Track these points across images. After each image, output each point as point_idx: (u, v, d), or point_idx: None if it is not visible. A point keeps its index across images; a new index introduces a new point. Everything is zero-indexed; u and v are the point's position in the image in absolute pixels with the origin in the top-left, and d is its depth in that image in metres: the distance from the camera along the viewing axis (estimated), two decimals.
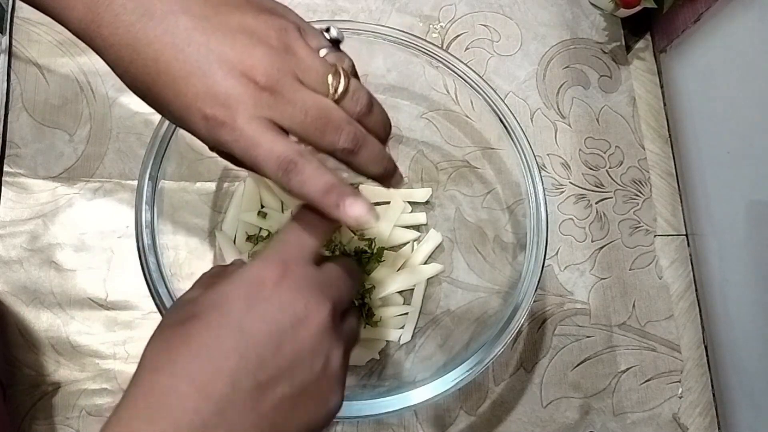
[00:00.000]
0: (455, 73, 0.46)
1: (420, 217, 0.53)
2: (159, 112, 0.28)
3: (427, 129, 0.55)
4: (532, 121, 0.57)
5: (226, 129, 0.25)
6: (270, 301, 0.25)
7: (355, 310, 0.31)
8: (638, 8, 0.57)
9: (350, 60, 0.30)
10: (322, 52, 0.28)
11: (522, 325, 0.42)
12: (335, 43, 0.30)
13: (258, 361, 0.24)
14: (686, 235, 0.57)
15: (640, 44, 0.61)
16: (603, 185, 0.56)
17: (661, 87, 0.60)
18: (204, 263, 0.49)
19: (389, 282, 0.50)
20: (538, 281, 0.42)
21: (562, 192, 0.56)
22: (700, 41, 0.54)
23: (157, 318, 0.39)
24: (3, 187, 0.50)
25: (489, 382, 0.50)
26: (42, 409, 0.46)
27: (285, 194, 0.51)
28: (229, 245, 0.49)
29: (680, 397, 0.52)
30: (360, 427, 0.48)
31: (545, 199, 0.44)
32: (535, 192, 0.44)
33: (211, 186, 0.51)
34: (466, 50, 0.58)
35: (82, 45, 0.54)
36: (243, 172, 0.52)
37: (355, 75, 0.31)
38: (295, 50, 0.27)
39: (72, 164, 0.51)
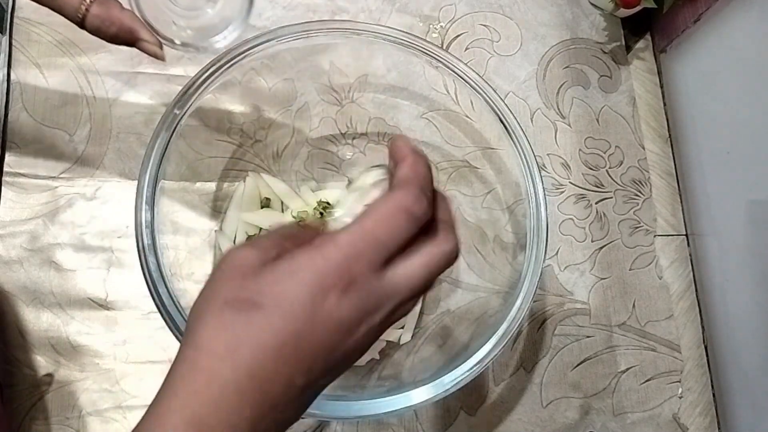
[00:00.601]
0: (455, 73, 0.46)
1: None
2: None
3: (427, 129, 0.55)
4: (532, 121, 0.57)
5: None
6: (331, 315, 0.24)
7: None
8: (638, 8, 0.57)
9: None
10: None
11: (522, 325, 0.42)
12: None
13: (310, 366, 0.25)
14: (686, 235, 0.57)
15: (640, 44, 0.61)
16: (603, 185, 0.56)
17: (661, 87, 0.60)
18: (204, 263, 0.49)
19: None
20: (538, 281, 0.42)
21: (562, 192, 0.56)
22: (700, 41, 0.54)
23: (158, 318, 0.39)
24: (3, 187, 0.50)
25: (489, 382, 0.50)
26: (42, 409, 0.46)
27: (285, 194, 0.51)
28: (229, 245, 0.49)
29: (680, 397, 0.52)
30: (360, 427, 0.48)
31: (545, 199, 0.44)
32: (535, 192, 0.44)
33: (211, 186, 0.51)
34: (466, 50, 0.58)
35: (83, 45, 0.54)
36: (243, 172, 0.52)
37: None
38: None
39: (72, 164, 0.51)
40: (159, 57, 0.38)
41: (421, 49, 0.46)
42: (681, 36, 0.56)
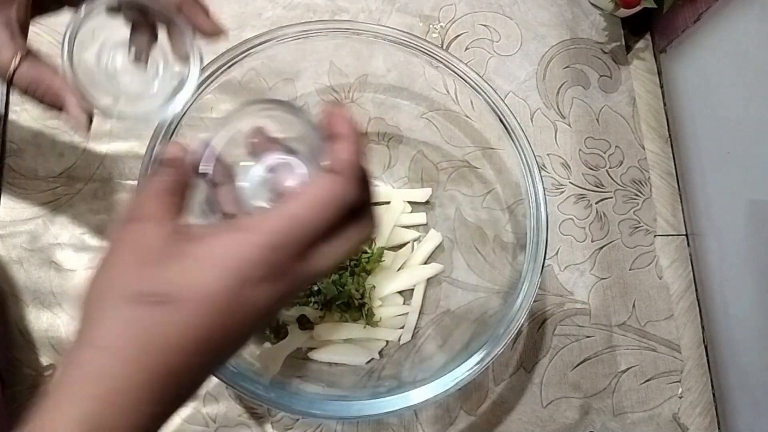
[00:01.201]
0: (455, 73, 0.46)
1: (420, 217, 0.53)
2: None
3: (427, 129, 0.55)
4: (532, 121, 0.57)
5: None
6: (249, 304, 0.23)
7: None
8: (638, 8, 0.57)
9: None
10: None
11: (522, 325, 0.42)
12: None
13: (223, 351, 0.24)
14: (686, 235, 0.57)
15: (640, 44, 0.61)
16: (603, 185, 0.56)
17: (661, 87, 0.60)
18: None
19: (389, 282, 0.50)
20: (538, 281, 0.42)
21: (562, 192, 0.56)
22: (700, 41, 0.54)
23: None
24: (3, 187, 0.50)
25: (489, 382, 0.50)
26: None
27: None
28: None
29: (680, 397, 0.52)
30: (360, 427, 0.48)
31: (545, 199, 0.44)
32: (535, 192, 0.44)
33: None
34: (466, 50, 0.58)
35: None
36: None
37: None
38: None
39: (72, 164, 0.51)
40: (80, 132, 0.34)
41: (421, 49, 0.46)
42: (681, 36, 0.56)
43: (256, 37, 0.44)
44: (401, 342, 0.49)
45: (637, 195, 0.57)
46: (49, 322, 0.47)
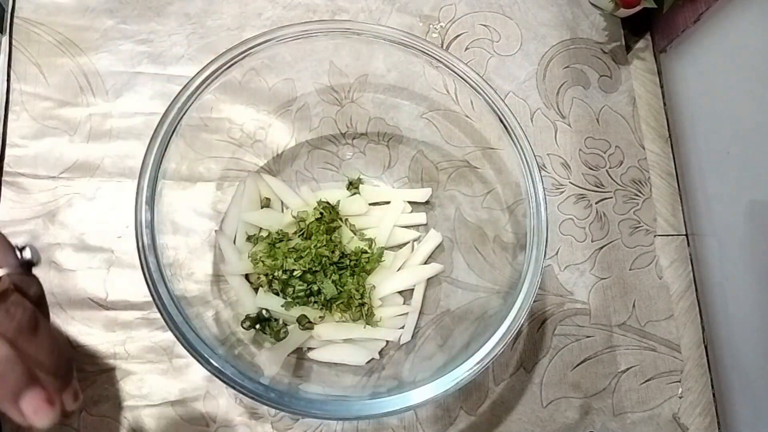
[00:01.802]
0: (455, 73, 0.46)
1: (420, 217, 0.53)
2: None
3: (427, 129, 0.55)
4: (532, 121, 0.57)
5: None
6: None
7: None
8: (638, 8, 0.57)
9: (38, 288, 0.30)
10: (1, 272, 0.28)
11: (522, 325, 0.42)
12: (28, 265, 0.30)
13: None
14: (686, 235, 0.57)
15: (640, 44, 0.61)
16: (603, 185, 0.56)
17: (661, 87, 0.60)
18: (204, 263, 0.49)
19: (389, 282, 0.50)
20: (538, 281, 0.42)
21: (562, 192, 0.56)
22: (700, 41, 0.54)
23: (158, 318, 0.39)
24: (3, 187, 0.50)
25: (489, 382, 0.50)
26: None
27: (285, 194, 0.51)
28: (229, 245, 0.49)
29: (680, 397, 0.52)
30: (360, 427, 0.48)
31: (545, 199, 0.44)
32: (535, 192, 0.44)
33: (211, 186, 0.51)
34: (466, 50, 0.58)
35: (83, 45, 0.54)
36: (243, 172, 0.52)
37: (40, 302, 0.30)
38: None
39: (72, 164, 0.51)
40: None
41: (421, 49, 0.46)
42: (681, 36, 0.56)
43: (256, 37, 0.44)
44: (401, 342, 0.49)
45: (637, 195, 0.57)
46: None
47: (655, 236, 0.56)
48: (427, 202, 0.53)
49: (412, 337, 0.50)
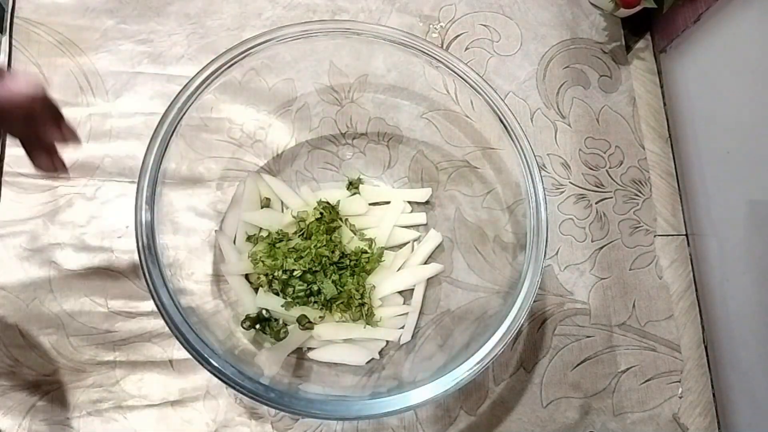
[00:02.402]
0: (455, 73, 0.46)
1: (420, 217, 0.53)
2: None
3: (427, 129, 0.55)
4: (532, 121, 0.57)
5: None
6: None
7: None
8: (638, 8, 0.57)
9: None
10: None
11: (522, 325, 0.42)
12: None
13: None
14: (686, 235, 0.57)
15: (640, 44, 0.61)
16: (603, 185, 0.56)
17: (661, 87, 0.60)
18: (204, 264, 0.49)
19: (389, 282, 0.50)
20: (538, 281, 0.42)
21: (562, 192, 0.56)
22: (700, 41, 0.54)
23: (158, 318, 0.39)
24: (3, 187, 0.50)
25: (489, 382, 0.50)
26: (42, 409, 0.46)
27: (285, 194, 0.51)
28: (229, 245, 0.49)
29: (680, 397, 0.52)
30: (360, 427, 0.48)
31: (545, 199, 0.44)
32: (535, 192, 0.44)
33: (211, 186, 0.51)
34: (466, 50, 0.58)
35: (83, 45, 0.54)
36: (243, 172, 0.52)
37: None
38: None
39: (72, 164, 0.51)
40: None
41: (421, 49, 0.46)
42: (681, 36, 0.56)
43: (256, 37, 0.44)
44: (401, 342, 0.49)
45: (637, 195, 0.57)
46: (50, 322, 0.47)
47: (655, 236, 0.56)
48: (427, 202, 0.53)
49: (412, 337, 0.50)
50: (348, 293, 0.48)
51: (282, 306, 0.47)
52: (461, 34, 0.59)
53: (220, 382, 0.38)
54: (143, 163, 0.41)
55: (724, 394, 0.52)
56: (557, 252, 0.54)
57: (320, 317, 0.48)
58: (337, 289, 0.48)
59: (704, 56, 0.54)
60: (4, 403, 0.45)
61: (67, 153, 0.37)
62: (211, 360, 0.38)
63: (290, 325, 0.48)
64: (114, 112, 0.52)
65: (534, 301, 0.42)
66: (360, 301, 0.48)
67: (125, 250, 0.49)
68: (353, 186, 0.52)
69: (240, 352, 0.46)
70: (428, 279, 0.51)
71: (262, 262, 0.47)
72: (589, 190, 0.56)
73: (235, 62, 0.44)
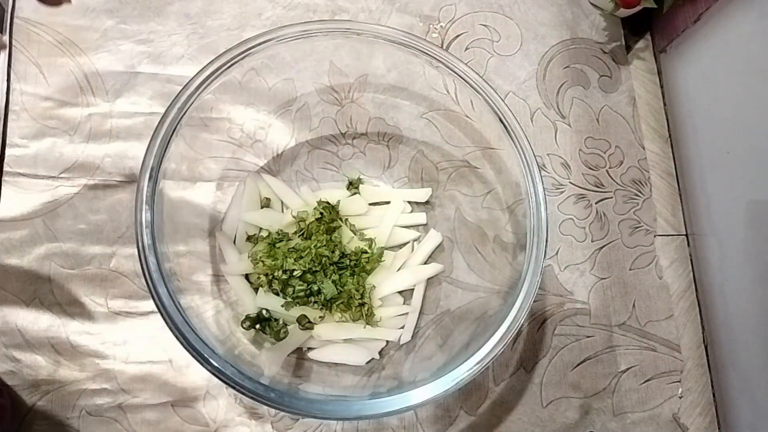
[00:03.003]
0: (455, 73, 0.46)
1: (420, 217, 0.53)
2: None
3: (427, 129, 0.55)
4: (532, 121, 0.57)
5: None
6: None
7: None
8: (638, 8, 0.57)
9: None
10: None
11: (522, 325, 0.42)
12: None
13: None
14: (686, 235, 0.57)
15: (640, 44, 0.61)
16: (603, 185, 0.56)
17: (661, 87, 0.60)
18: (204, 263, 0.49)
19: (389, 282, 0.50)
20: (538, 281, 0.42)
21: (562, 192, 0.56)
22: (700, 41, 0.54)
23: (158, 318, 0.39)
24: (3, 187, 0.50)
25: (489, 382, 0.50)
26: (42, 409, 0.46)
27: (285, 194, 0.51)
28: (229, 245, 0.49)
29: (680, 397, 0.52)
30: (360, 427, 0.48)
31: (545, 199, 0.44)
32: (535, 192, 0.44)
33: (211, 186, 0.51)
34: (466, 50, 0.58)
35: (83, 45, 0.54)
36: (243, 172, 0.52)
37: None
38: None
39: (72, 164, 0.51)
40: None
41: (421, 49, 0.46)
42: (681, 36, 0.56)
43: (256, 37, 0.44)
44: (401, 342, 0.49)
45: (637, 195, 0.57)
46: (49, 322, 0.47)
47: (655, 236, 0.56)
48: (427, 202, 0.53)
49: (412, 337, 0.50)
50: (348, 293, 0.48)
51: (282, 306, 0.47)
52: (461, 34, 0.59)
53: (220, 382, 0.38)
54: (143, 163, 0.41)
55: (724, 394, 0.52)
56: (557, 252, 0.54)
57: (320, 317, 0.48)
58: (337, 289, 0.48)
59: (704, 56, 0.54)
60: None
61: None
62: (211, 360, 0.38)
63: (290, 325, 0.48)
64: (114, 112, 0.52)
65: (534, 301, 0.42)
66: (360, 301, 0.48)
67: (125, 250, 0.49)
68: (353, 186, 0.52)
69: (240, 352, 0.46)
70: (428, 279, 0.51)
71: (262, 262, 0.47)
72: (589, 190, 0.56)
73: (235, 62, 0.44)
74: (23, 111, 0.51)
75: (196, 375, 0.47)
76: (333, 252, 0.48)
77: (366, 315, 0.48)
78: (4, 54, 0.52)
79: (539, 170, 0.44)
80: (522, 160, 0.45)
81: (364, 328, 0.48)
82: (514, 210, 0.51)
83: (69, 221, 0.49)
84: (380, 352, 0.49)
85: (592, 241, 0.55)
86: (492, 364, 0.50)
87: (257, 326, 0.48)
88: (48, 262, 0.48)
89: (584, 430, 0.50)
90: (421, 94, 0.54)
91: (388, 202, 0.52)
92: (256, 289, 0.49)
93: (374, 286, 0.49)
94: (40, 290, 0.48)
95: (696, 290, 0.55)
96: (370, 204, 0.52)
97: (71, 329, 0.47)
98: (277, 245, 0.48)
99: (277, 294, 0.48)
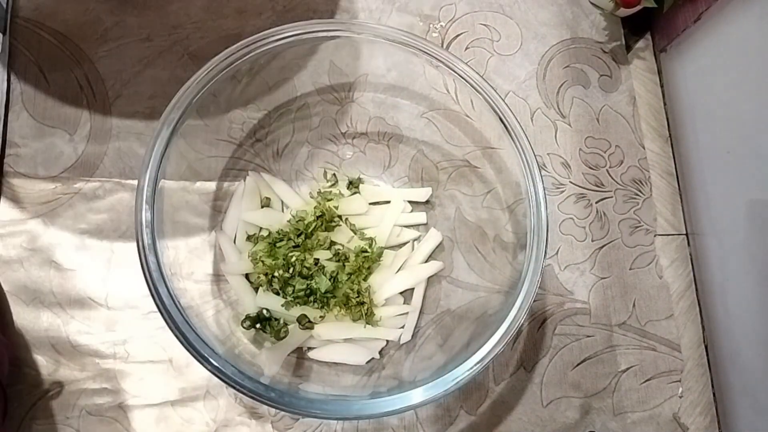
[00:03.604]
0: (455, 72, 0.46)
1: (420, 217, 0.53)
2: None
3: (427, 128, 0.55)
4: (532, 120, 0.57)
5: None
6: None
7: None
8: (638, 8, 0.57)
9: None
10: None
11: (522, 324, 0.42)
12: None
13: None
14: (686, 234, 0.57)
15: (640, 44, 0.61)
16: (603, 185, 0.56)
17: (661, 86, 0.60)
18: (204, 263, 0.49)
19: (389, 282, 0.50)
20: (538, 281, 0.42)
21: (562, 191, 0.56)
22: (700, 41, 0.54)
23: (158, 318, 0.39)
24: (3, 187, 0.50)
25: (489, 381, 0.50)
26: (42, 409, 0.46)
27: (285, 194, 0.51)
28: (229, 245, 0.49)
29: (680, 397, 0.52)
30: (360, 427, 0.48)
31: (545, 198, 0.44)
32: (535, 191, 0.44)
33: (211, 185, 0.51)
34: (466, 50, 0.58)
35: (83, 45, 0.54)
36: (243, 172, 0.52)
37: None
38: None
39: (72, 164, 0.51)
40: None
41: (421, 48, 0.46)
42: (681, 36, 0.56)
43: (256, 36, 0.44)
44: (401, 342, 0.49)
45: (637, 194, 0.57)
46: (49, 322, 0.47)
47: (655, 236, 0.56)
48: (427, 202, 0.53)
49: (412, 336, 0.50)
50: (343, 284, 0.48)
51: (282, 305, 0.47)
52: (461, 33, 0.59)
53: (220, 381, 0.38)
54: (143, 163, 0.41)
55: (724, 394, 0.52)
56: (557, 251, 0.54)
57: (320, 317, 0.48)
58: (332, 283, 0.47)
59: (704, 56, 0.54)
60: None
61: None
62: (211, 360, 0.38)
63: (290, 325, 0.48)
64: (114, 111, 0.52)
65: (534, 301, 0.42)
66: (359, 299, 0.48)
67: (125, 250, 0.49)
68: (353, 185, 0.52)
69: (240, 352, 0.46)
70: (428, 279, 0.51)
71: (262, 261, 0.47)
72: (589, 189, 0.56)
73: (236, 62, 0.44)
74: (23, 111, 0.51)
75: (196, 374, 0.47)
76: (333, 252, 0.48)
77: (366, 314, 0.48)
78: (4, 54, 0.52)
79: (539, 170, 0.44)
80: (522, 160, 0.45)
81: (364, 327, 0.48)
82: (515, 209, 0.51)
83: (69, 221, 0.49)
84: (380, 352, 0.49)
85: (593, 241, 0.55)
86: (492, 364, 0.50)
87: (257, 326, 0.48)
88: (48, 262, 0.48)
89: (584, 429, 0.50)
90: (421, 93, 0.54)
91: (388, 202, 0.52)
92: (256, 289, 0.49)
93: (374, 286, 0.49)
94: (40, 290, 0.48)
95: (696, 290, 0.55)
96: (370, 203, 0.52)
97: (71, 329, 0.47)
98: (277, 245, 0.48)
99: (277, 293, 0.48)
